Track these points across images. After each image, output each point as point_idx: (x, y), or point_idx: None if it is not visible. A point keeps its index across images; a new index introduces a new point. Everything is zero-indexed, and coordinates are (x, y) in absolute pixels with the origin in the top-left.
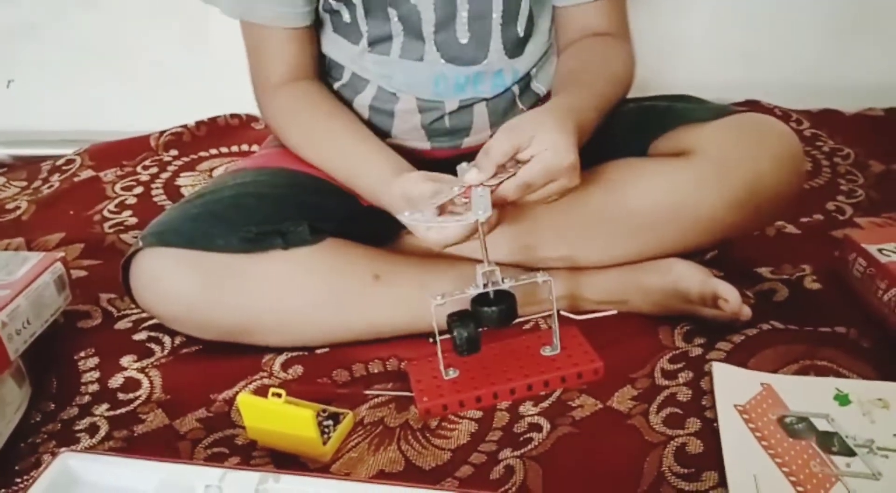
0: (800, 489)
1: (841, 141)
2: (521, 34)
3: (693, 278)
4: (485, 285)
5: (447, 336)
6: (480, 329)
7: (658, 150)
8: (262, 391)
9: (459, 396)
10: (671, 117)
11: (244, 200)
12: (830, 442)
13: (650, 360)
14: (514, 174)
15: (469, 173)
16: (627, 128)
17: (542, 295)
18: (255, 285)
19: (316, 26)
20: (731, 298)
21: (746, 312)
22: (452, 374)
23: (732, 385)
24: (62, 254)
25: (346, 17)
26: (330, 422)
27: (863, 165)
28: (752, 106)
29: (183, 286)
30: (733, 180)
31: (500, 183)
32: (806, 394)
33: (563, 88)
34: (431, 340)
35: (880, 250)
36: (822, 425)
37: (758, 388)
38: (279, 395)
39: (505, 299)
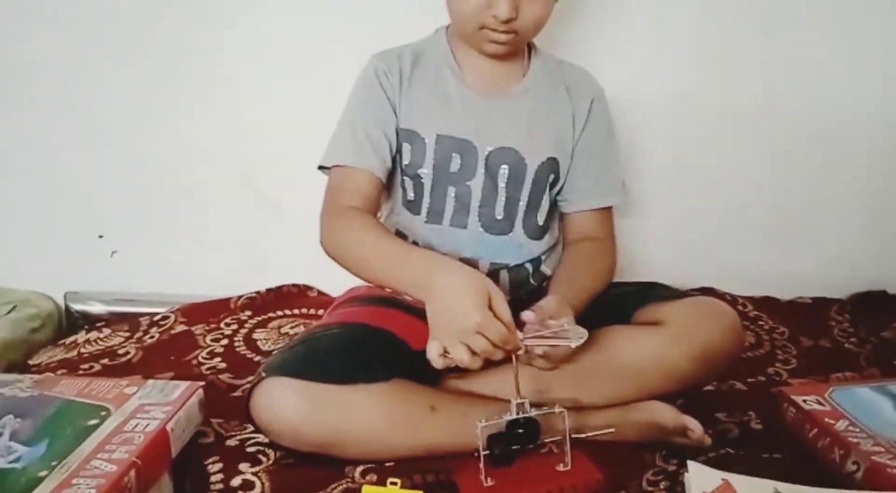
0: None
1: (778, 321)
2: (540, 223)
3: (667, 414)
4: (517, 413)
5: (487, 452)
6: (513, 448)
7: (638, 319)
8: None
9: None
10: (648, 296)
11: (338, 344)
12: None
13: (639, 474)
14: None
15: (527, 315)
16: (616, 303)
17: (557, 426)
18: (346, 409)
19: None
20: (696, 428)
21: (707, 440)
22: (491, 482)
23: (701, 478)
24: (202, 383)
25: (410, 194)
26: None
27: (795, 340)
28: (707, 291)
29: (295, 408)
30: (693, 343)
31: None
32: (751, 490)
33: (566, 282)
34: (476, 454)
35: (804, 401)
36: None
37: (719, 482)
38: (396, 483)
39: (532, 425)
